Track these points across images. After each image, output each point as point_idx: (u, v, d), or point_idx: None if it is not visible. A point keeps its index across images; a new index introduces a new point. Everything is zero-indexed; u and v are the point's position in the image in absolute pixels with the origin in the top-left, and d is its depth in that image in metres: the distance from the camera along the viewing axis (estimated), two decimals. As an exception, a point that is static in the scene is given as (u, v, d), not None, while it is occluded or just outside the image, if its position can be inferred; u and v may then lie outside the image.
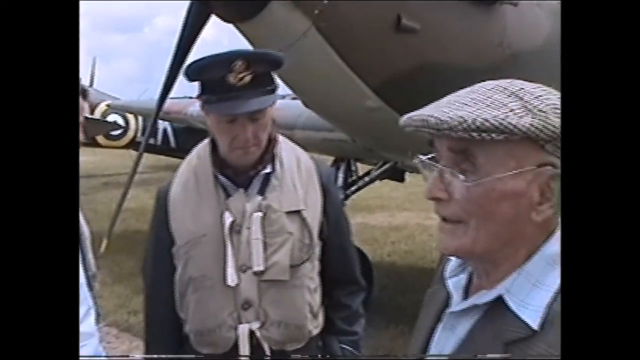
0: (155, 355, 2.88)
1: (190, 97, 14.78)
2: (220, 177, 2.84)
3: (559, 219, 1.46)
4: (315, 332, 2.92)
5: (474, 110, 1.34)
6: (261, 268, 2.73)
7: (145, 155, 6.91)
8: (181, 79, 3.22)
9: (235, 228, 2.76)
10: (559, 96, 1.40)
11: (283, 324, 2.78)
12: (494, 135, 1.32)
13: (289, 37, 4.34)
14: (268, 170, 2.84)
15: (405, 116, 1.44)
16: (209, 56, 2.65)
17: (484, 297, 1.46)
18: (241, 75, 2.59)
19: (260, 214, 2.77)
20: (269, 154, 2.84)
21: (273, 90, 2.74)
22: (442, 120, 1.34)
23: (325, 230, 2.92)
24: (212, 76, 2.62)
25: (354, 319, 3.10)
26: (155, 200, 2.96)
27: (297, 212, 2.82)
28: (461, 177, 1.39)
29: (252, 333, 2.76)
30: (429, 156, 1.48)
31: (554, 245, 1.44)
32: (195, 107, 11.49)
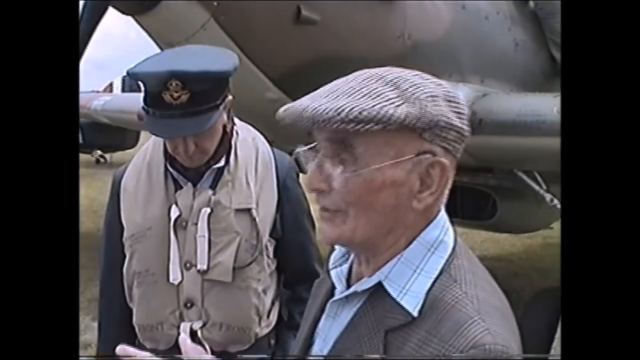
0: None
1: (97, 91, 14.52)
2: (171, 169, 2.73)
3: (442, 206, 1.47)
4: (265, 331, 2.83)
5: (350, 101, 1.33)
6: (204, 267, 2.66)
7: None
8: (83, 72, 3.10)
9: (181, 223, 2.67)
10: (438, 83, 1.41)
11: (225, 325, 2.70)
12: (370, 125, 1.31)
13: (187, 29, 4.31)
14: (221, 164, 2.72)
15: (282, 108, 1.42)
16: (148, 67, 2.51)
17: (364, 284, 1.46)
18: (177, 95, 2.45)
19: (208, 209, 2.67)
20: (223, 147, 2.72)
21: (216, 107, 2.56)
22: (317, 113, 1.33)
23: (279, 229, 2.81)
24: (150, 89, 2.50)
25: None
26: (110, 186, 2.85)
27: (247, 210, 2.71)
28: (340, 168, 1.38)
29: (194, 332, 2.67)
30: (309, 147, 1.47)
31: (433, 230, 1.44)
32: (99, 102, 11.28)
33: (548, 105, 5.48)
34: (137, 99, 9.73)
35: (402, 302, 1.38)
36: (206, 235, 2.66)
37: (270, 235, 2.78)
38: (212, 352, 2.64)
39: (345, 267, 1.58)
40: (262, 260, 2.75)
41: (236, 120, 2.87)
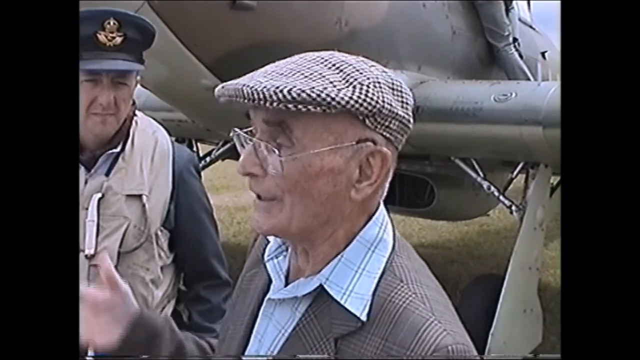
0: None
1: None
2: None
3: (381, 201, 1.43)
4: None
5: (290, 81, 1.27)
6: (92, 252, 2.60)
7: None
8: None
9: None
10: (382, 70, 1.36)
11: None
12: (310, 107, 1.25)
13: (121, 14, 4.23)
14: (116, 150, 2.72)
15: (220, 85, 1.36)
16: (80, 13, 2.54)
17: (304, 287, 1.39)
18: (112, 36, 2.51)
19: (99, 195, 2.65)
20: (120, 135, 2.72)
21: (141, 61, 2.67)
22: (256, 90, 1.26)
23: (172, 220, 2.80)
24: (82, 32, 2.44)
25: (213, 315, 2.89)
26: None
27: (138, 196, 2.71)
28: (276, 151, 1.32)
29: None
30: (245, 129, 1.41)
31: (372, 228, 1.39)
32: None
33: (485, 93, 5.50)
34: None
35: (347, 305, 1.32)
36: (95, 220, 2.64)
37: (163, 226, 2.77)
38: None
39: (283, 259, 1.51)
40: (152, 249, 2.74)
41: (140, 113, 2.88)
